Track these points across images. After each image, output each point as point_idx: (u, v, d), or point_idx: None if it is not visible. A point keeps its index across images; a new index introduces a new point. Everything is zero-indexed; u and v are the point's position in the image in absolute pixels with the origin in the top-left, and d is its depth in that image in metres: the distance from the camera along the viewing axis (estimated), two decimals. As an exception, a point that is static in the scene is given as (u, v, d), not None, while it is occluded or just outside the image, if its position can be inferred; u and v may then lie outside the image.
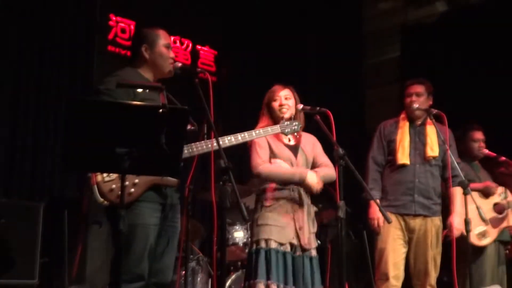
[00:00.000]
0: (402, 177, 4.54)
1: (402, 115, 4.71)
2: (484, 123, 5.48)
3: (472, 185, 4.69)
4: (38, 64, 5.89)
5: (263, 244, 3.73)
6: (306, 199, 3.93)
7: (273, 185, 3.89)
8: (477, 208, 4.74)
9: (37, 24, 5.91)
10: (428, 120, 4.60)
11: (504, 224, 5.08)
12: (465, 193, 4.24)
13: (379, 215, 4.41)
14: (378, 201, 4.44)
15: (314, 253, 3.88)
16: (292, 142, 4.00)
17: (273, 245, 3.72)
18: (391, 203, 4.51)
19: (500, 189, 5.14)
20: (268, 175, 3.87)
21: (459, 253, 4.28)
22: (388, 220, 3.95)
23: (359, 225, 5.38)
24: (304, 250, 3.80)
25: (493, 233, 5.01)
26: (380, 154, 4.67)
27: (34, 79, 5.84)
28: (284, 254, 3.74)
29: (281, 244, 3.75)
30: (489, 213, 4.99)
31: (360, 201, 4.55)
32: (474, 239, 4.69)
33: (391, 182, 4.55)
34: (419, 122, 4.66)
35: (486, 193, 5.09)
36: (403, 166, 4.54)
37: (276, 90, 4.06)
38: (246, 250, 4.59)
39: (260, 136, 3.69)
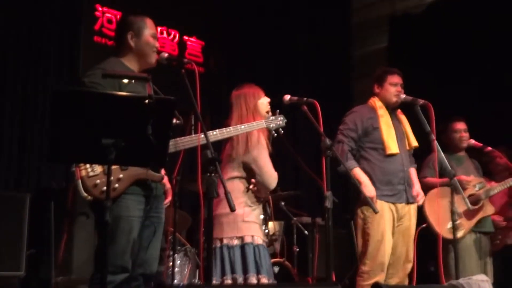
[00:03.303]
0: (392, 166, 4.54)
1: (379, 103, 4.68)
2: (471, 114, 5.51)
3: (437, 180, 4.70)
4: (24, 55, 5.86)
5: (248, 240, 3.81)
6: None
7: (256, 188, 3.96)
8: (450, 202, 4.81)
9: (22, 15, 5.87)
10: (399, 109, 4.71)
11: (480, 215, 5.06)
12: (451, 184, 4.28)
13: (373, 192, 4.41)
14: (359, 169, 4.48)
15: None
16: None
17: (259, 241, 3.83)
18: (384, 193, 4.50)
19: (475, 181, 5.15)
20: None
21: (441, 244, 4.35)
22: (375, 211, 3.96)
23: (346, 216, 5.39)
24: None
25: (467, 225, 5.01)
26: (355, 133, 4.61)
27: (20, 70, 5.81)
28: (264, 249, 3.90)
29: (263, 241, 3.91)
30: (463, 206, 4.99)
31: (347, 192, 4.56)
32: (446, 233, 4.71)
33: (381, 172, 4.53)
34: (392, 111, 4.70)
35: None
36: (392, 155, 4.55)
37: (262, 94, 4.10)
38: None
39: (245, 131, 3.75)
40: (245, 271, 3.75)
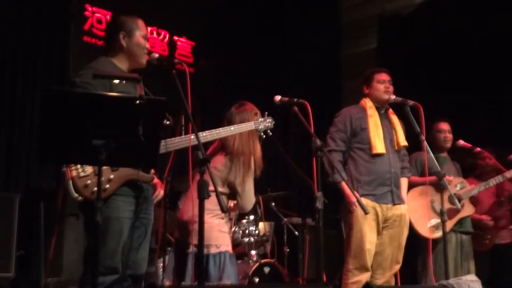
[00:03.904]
0: (379, 166, 4.53)
1: (369, 103, 4.68)
2: (461, 114, 5.54)
3: (427, 178, 4.71)
4: (13, 56, 5.83)
5: (224, 248, 3.90)
6: None
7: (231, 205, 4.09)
8: (430, 201, 4.84)
9: (12, 15, 5.85)
10: (390, 109, 4.70)
11: (460, 215, 5.07)
12: (441, 184, 4.30)
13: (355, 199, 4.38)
14: (344, 183, 4.41)
15: None
16: None
17: (231, 251, 3.97)
18: (369, 192, 4.49)
19: (456, 180, 5.17)
20: None
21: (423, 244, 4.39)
22: (365, 211, 3.96)
23: (337, 216, 5.41)
24: None
25: (447, 225, 5.03)
26: (345, 134, 4.61)
27: (9, 70, 5.78)
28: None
29: None
30: (445, 205, 5.01)
31: (337, 193, 4.56)
32: (426, 232, 4.74)
33: (367, 172, 4.52)
34: (382, 111, 4.70)
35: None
36: (379, 155, 4.55)
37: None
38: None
39: (235, 133, 3.79)
40: (221, 276, 3.80)
